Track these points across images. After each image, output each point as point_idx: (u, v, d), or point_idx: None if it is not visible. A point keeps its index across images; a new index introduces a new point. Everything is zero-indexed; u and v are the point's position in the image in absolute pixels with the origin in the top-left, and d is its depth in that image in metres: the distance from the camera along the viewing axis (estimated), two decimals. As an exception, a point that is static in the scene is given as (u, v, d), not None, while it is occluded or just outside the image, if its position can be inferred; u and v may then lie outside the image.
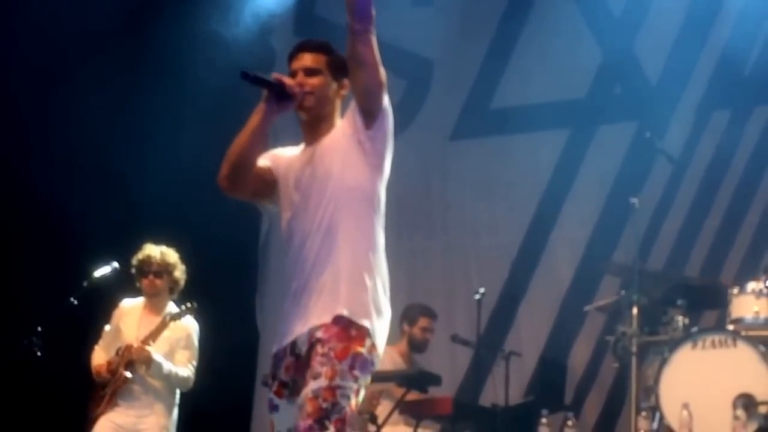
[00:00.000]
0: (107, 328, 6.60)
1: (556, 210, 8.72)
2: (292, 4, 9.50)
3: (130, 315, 6.56)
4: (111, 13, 8.38)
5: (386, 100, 3.89)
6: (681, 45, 8.51)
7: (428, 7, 9.33)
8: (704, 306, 7.40)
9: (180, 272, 6.60)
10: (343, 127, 3.92)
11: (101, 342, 6.59)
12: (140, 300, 6.61)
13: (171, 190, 8.03)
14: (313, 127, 4.00)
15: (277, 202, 4.04)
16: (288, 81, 3.94)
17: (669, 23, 8.59)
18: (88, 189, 8.17)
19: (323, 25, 9.57)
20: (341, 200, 3.81)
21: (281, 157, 4.07)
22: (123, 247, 6.80)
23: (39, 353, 6.32)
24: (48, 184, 8.14)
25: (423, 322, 7.85)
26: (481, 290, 7.85)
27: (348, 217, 3.81)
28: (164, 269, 6.54)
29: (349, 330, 3.68)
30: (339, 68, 3.99)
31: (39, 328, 6.32)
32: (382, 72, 3.81)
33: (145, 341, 6.36)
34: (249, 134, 3.93)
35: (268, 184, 4.03)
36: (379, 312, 3.79)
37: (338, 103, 4.02)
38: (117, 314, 6.59)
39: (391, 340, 7.77)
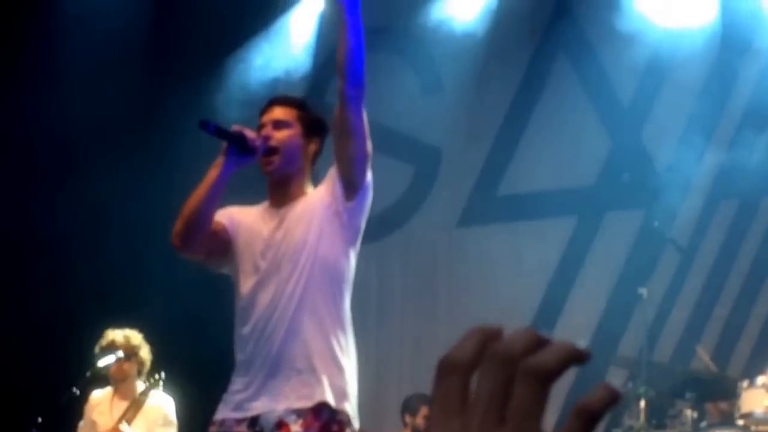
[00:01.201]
0: (81, 424, 6.54)
1: (563, 298, 8.67)
2: (302, 91, 9.57)
3: (102, 404, 6.51)
4: (117, 101, 8.48)
5: (370, 174, 3.74)
6: (689, 134, 8.49)
7: (438, 95, 9.37)
8: (713, 399, 7.28)
9: (146, 352, 6.54)
10: (320, 193, 3.76)
11: None
12: (108, 389, 6.54)
13: (168, 271, 8.05)
14: (280, 187, 3.81)
15: (233, 264, 3.82)
16: (249, 133, 3.73)
17: (677, 113, 8.60)
18: (90, 277, 8.20)
19: (332, 113, 9.61)
20: (314, 273, 3.66)
21: (242, 216, 3.86)
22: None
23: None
24: (51, 272, 8.17)
25: (425, 411, 7.79)
26: None
27: (319, 292, 3.66)
28: (130, 352, 6.47)
29: (330, 426, 3.56)
30: (312, 125, 3.85)
31: (39, 419, 6.26)
32: (370, 143, 3.66)
33: (119, 422, 6.29)
34: (205, 190, 3.71)
35: (222, 244, 3.81)
36: (354, 394, 3.69)
37: (308, 164, 3.83)
38: (88, 408, 6.53)
39: (394, 429, 7.81)
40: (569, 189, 8.80)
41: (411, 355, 8.98)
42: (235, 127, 3.75)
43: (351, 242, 3.75)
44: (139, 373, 6.56)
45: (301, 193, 3.82)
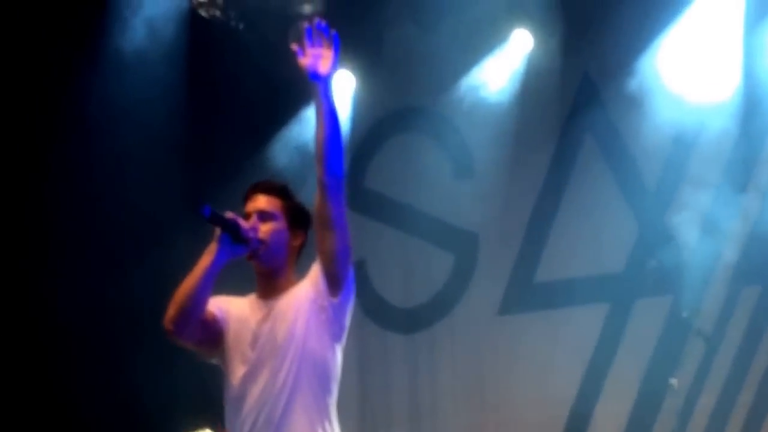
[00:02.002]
0: None
1: (599, 385, 8.95)
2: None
3: None
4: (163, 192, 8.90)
5: (352, 269, 3.71)
6: (712, 218, 8.74)
7: (469, 179, 9.68)
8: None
9: None
10: (305, 287, 3.72)
11: None
12: None
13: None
14: (268, 279, 3.78)
15: (223, 354, 3.81)
16: (244, 224, 3.69)
17: (700, 195, 8.82)
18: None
19: (373, 197, 10.06)
20: (302, 368, 3.65)
21: (231, 307, 3.83)
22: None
23: None
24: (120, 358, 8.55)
25: None
26: None
27: (309, 387, 3.66)
28: None
29: None
30: (296, 216, 3.80)
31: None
32: (350, 235, 3.61)
33: None
34: (199, 276, 3.66)
35: (213, 333, 3.79)
36: None
37: (293, 256, 3.80)
38: None
39: None
40: (600, 276, 9.13)
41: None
42: (229, 215, 3.71)
43: (337, 338, 3.72)
44: None
45: (287, 285, 3.79)
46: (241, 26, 9.41)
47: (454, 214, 9.73)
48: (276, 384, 3.67)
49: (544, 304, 9.33)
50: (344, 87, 9.90)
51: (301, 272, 3.92)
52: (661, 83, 9.02)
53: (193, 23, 9.23)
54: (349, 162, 9.96)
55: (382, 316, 9.82)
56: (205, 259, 3.70)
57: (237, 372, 3.76)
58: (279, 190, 3.88)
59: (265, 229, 3.76)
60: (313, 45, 3.70)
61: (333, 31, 3.74)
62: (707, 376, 8.60)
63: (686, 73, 9.01)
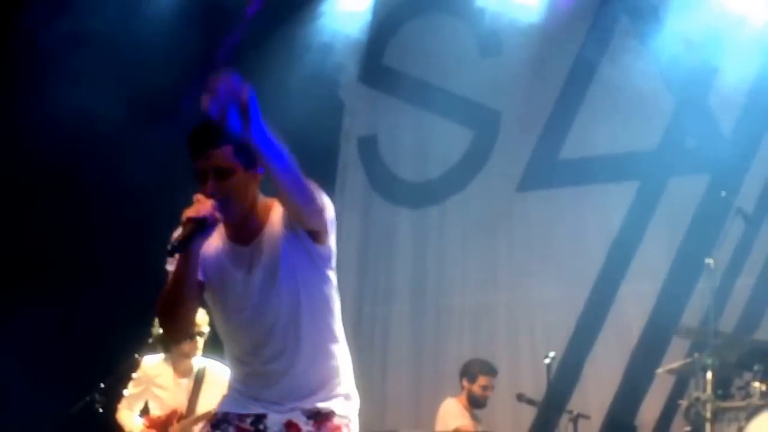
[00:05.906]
0: (131, 387, 6.44)
1: (625, 264, 8.48)
2: (360, 54, 9.46)
3: (161, 377, 6.44)
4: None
5: (329, 209, 3.50)
6: (755, 97, 8.27)
7: (496, 57, 9.21)
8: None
9: (207, 330, 6.47)
10: (282, 228, 3.53)
11: (125, 402, 6.44)
12: (161, 357, 6.48)
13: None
14: (240, 227, 3.57)
15: (211, 299, 3.64)
16: (203, 210, 3.39)
17: (743, 74, 8.31)
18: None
19: (390, 74, 9.60)
20: (303, 305, 3.55)
21: (205, 260, 3.58)
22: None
23: (101, 410, 6.23)
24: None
25: (483, 380, 7.79)
26: (551, 354, 7.63)
27: (312, 320, 3.57)
28: (200, 330, 6.42)
29: (340, 429, 3.55)
30: (249, 154, 3.40)
31: (102, 385, 6.22)
32: (313, 187, 3.38)
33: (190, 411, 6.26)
34: (181, 286, 3.47)
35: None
36: (357, 400, 3.65)
37: (257, 189, 3.55)
38: (142, 376, 6.44)
39: (452, 392, 7.75)
40: (631, 153, 8.61)
41: (471, 322, 8.89)
42: (186, 215, 3.39)
43: (328, 264, 3.60)
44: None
45: (260, 223, 3.57)
46: None
47: (477, 91, 9.23)
48: (278, 325, 3.54)
49: (568, 181, 8.81)
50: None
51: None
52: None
53: None
54: (367, 41, 9.54)
55: (390, 189, 9.28)
56: (179, 268, 3.46)
57: (231, 320, 3.61)
58: (224, 135, 3.31)
59: (226, 186, 3.46)
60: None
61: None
62: (747, 255, 8.08)
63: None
